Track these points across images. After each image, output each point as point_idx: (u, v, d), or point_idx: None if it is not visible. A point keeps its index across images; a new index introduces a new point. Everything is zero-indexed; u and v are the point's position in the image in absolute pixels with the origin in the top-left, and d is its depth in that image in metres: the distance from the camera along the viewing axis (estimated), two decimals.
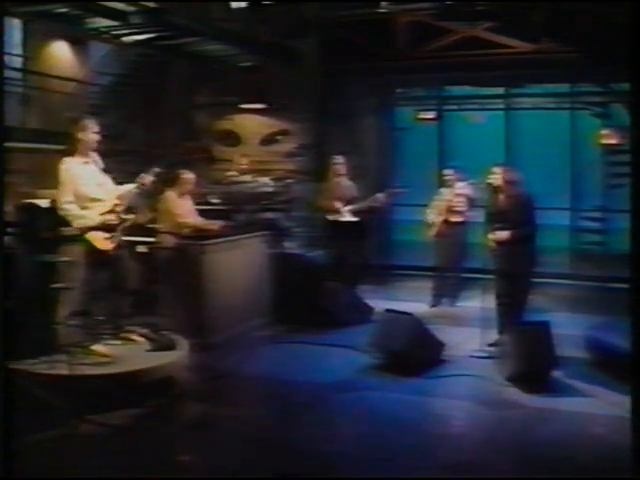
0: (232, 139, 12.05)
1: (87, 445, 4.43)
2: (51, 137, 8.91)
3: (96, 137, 5.48)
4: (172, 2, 9.27)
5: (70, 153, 5.43)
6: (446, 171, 8.49)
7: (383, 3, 10.32)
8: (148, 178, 5.62)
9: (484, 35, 10.05)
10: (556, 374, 5.67)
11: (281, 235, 9.38)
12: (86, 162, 5.46)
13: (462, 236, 8.23)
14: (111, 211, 5.44)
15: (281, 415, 5.06)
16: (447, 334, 6.58)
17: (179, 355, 5.60)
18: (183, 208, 7.02)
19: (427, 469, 4.14)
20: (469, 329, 6.77)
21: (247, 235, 7.38)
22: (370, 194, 8.53)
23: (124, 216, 5.55)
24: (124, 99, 11.05)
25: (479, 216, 7.11)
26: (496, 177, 6.35)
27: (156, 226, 7.03)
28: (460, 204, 8.15)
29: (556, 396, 5.34)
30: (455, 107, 11.82)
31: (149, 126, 11.29)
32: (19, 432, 3.85)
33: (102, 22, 9.40)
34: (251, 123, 12.00)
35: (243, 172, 10.89)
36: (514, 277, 6.23)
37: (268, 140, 11.93)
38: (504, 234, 6.19)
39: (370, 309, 7.84)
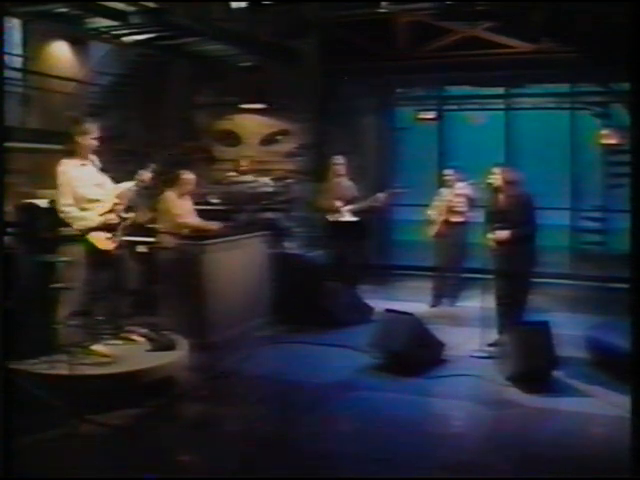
0: (232, 139, 12.05)
1: (87, 445, 4.43)
2: (51, 137, 8.91)
3: (95, 142, 5.48)
4: (172, 2, 9.27)
5: (68, 154, 5.43)
6: (446, 171, 8.49)
7: (383, 3, 10.32)
8: (147, 175, 5.62)
9: (484, 35, 10.05)
10: (556, 374, 5.66)
11: (281, 235, 9.38)
12: (83, 164, 5.46)
13: (462, 236, 8.23)
14: (111, 210, 5.45)
15: (281, 415, 5.06)
16: (447, 334, 6.58)
17: (179, 355, 5.60)
18: (183, 208, 7.02)
19: (427, 469, 4.14)
20: (469, 329, 6.77)
21: (247, 235, 7.38)
22: (370, 194, 8.53)
23: (124, 215, 5.55)
24: (124, 99, 11.05)
25: (479, 216, 7.12)
26: (496, 177, 6.35)
27: (156, 226, 7.03)
28: (460, 204, 8.15)
29: (556, 396, 5.34)
30: (455, 107, 11.83)
31: (149, 126, 11.28)
32: (19, 432, 3.86)
33: (102, 22, 9.41)
34: (251, 123, 12.00)
35: (243, 173, 10.90)
36: (514, 277, 6.23)
37: (268, 140, 11.93)
38: (504, 234, 6.19)
39: (370, 309, 7.84)
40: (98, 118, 5.90)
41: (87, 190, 5.38)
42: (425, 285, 8.75)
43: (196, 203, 7.44)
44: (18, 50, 10.50)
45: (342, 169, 8.57)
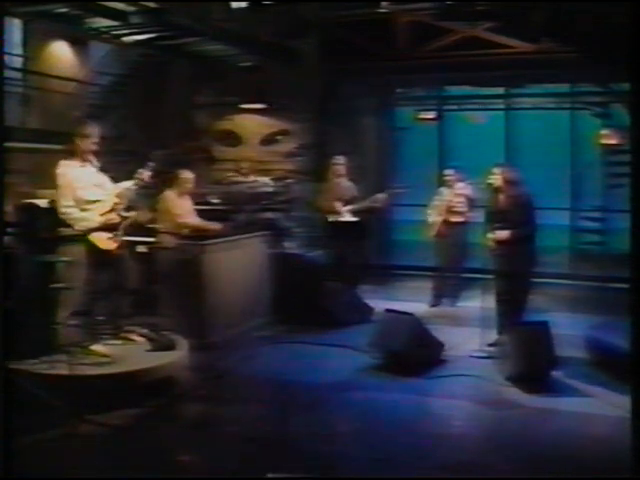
0: (232, 139, 12.04)
1: (87, 445, 4.43)
2: (51, 137, 8.91)
3: (95, 146, 5.49)
4: (172, 2, 9.26)
5: (68, 155, 5.43)
6: (446, 171, 8.50)
7: (383, 3, 10.31)
8: (146, 174, 5.63)
9: (484, 35, 10.05)
10: (556, 374, 5.67)
11: (281, 235, 9.38)
12: (83, 165, 5.47)
13: (462, 236, 8.24)
14: (111, 210, 5.45)
15: (281, 415, 5.06)
16: (447, 334, 6.58)
17: (179, 355, 5.60)
18: (183, 208, 7.02)
19: (427, 469, 4.14)
20: (469, 329, 6.77)
21: (247, 235, 7.38)
22: (370, 194, 8.53)
23: (125, 214, 5.55)
24: (124, 99, 11.04)
25: (479, 216, 7.12)
26: (496, 177, 6.36)
27: (156, 226, 7.04)
28: (460, 204, 8.16)
29: (556, 396, 5.34)
30: (455, 107, 11.82)
31: (149, 126, 11.28)
32: (19, 432, 3.86)
33: (102, 22, 9.39)
34: (251, 123, 11.99)
35: (244, 174, 10.91)
36: (514, 277, 6.23)
37: (268, 140, 11.92)
38: (504, 234, 6.19)
39: (370, 309, 7.84)
40: (98, 118, 5.88)
41: (87, 191, 5.39)
42: (425, 285, 8.75)
43: (196, 203, 7.44)
44: (18, 50, 10.49)
45: (342, 169, 8.57)
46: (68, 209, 5.31)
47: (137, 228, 6.60)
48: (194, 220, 7.08)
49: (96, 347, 5.36)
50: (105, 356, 5.29)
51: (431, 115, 11.26)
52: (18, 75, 10.36)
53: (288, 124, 11.67)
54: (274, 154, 11.76)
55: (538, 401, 5.24)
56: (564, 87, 11.09)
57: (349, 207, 8.36)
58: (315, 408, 5.17)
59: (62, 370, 4.91)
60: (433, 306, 8.34)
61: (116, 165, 6.15)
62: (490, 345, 6.22)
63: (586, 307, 8.10)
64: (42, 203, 5.66)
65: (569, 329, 6.64)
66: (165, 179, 6.92)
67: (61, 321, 5.28)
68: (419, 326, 6.20)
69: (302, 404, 5.20)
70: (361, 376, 5.90)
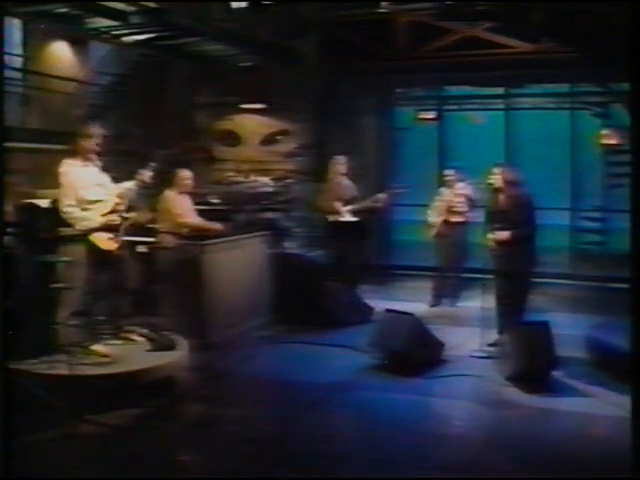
0: (232, 139, 12.04)
1: (87, 445, 4.43)
2: (51, 137, 8.91)
3: (98, 146, 5.50)
4: (172, 2, 9.26)
5: (70, 155, 5.43)
6: (446, 171, 8.49)
7: (383, 3, 10.32)
8: (147, 174, 5.63)
9: (484, 35, 10.05)
10: (556, 374, 5.66)
11: (281, 235, 9.38)
12: (85, 164, 5.47)
13: (462, 236, 8.23)
14: (113, 211, 5.45)
15: (281, 415, 5.06)
16: (447, 334, 6.58)
17: (179, 355, 5.60)
18: (182, 207, 7.02)
19: (427, 469, 4.14)
20: (469, 329, 6.77)
21: (247, 235, 7.38)
22: (370, 194, 8.53)
23: (125, 215, 5.55)
24: (124, 99, 11.04)
25: (479, 216, 7.12)
26: (496, 177, 6.35)
27: (156, 226, 7.04)
28: (460, 204, 8.16)
29: (556, 396, 5.34)
30: (455, 107, 11.82)
31: (149, 126, 11.28)
32: (19, 432, 3.86)
33: (102, 22, 9.40)
34: (251, 123, 11.99)
35: (244, 174, 10.91)
36: (514, 277, 6.23)
37: (268, 140, 11.92)
38: (504, 234, 6.19)
39: (370, 309, 7.83)
40: (98, 118, 5.88)
41: (89, 191, 5.39)
42: (425, 285, 8.75)
43: (196, 203, 7.44)
44: (18, 50, 10.49)
45: (342, 169, 8.56)
46: (70, 208, 5.31)
47: (137, 228, 6.60)
48: (194, 219, 7.08)
49: (96, 347, 5.36)
50: (105, 356, 5.28)
51: (431, 115, 11.26)
52: (18, 75, 10.36)
53: (288, 124, 11.67)
54: (274, 154, 11.76)
55: (538, 401, 5.24)
56: (564, 87, 11.08)
57: (349, 207, 8.36)
58: (315, 408, 5.17)
59: (62, 370, 4.91)
60: (433, 306, 8.34)
61: (116, 165, 6.14)
62: (490, 345, 6.22)
63: (586, 307, 8.10)
64: (42, 203, 5.67)
65: (569, 329, 6.63)
66: (165, 179, 6.92)
67: (61, 321, 5.28)
68: (419, 326, 6.20)
69: (302, 404, 5.20)
70: (361, 376, 5.90)
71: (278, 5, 10.51)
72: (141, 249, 6.92)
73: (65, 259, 5.32)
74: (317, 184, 9.25)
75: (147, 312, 6.31)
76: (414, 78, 11.28)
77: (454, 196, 8.20)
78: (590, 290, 9.08)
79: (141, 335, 5.69)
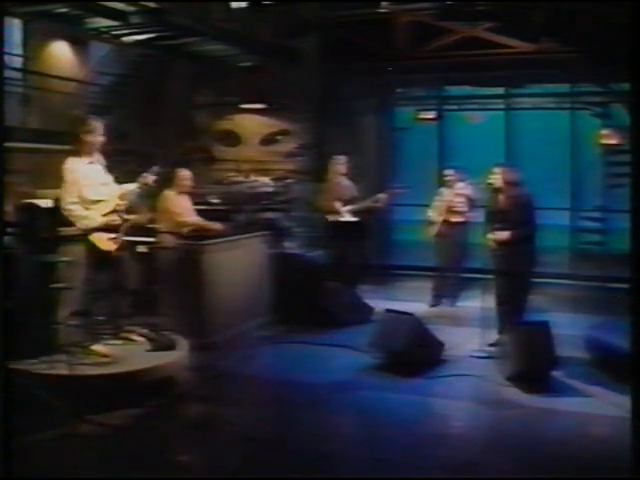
0: (232, 139, 12.05)
1: (87, 445, 4.43)
2: (51, 137, 8.92)
3: (102, 139, 5.49)
4: (172, 2, 9.26)
5: (75, 153, 5.42)
6: (446, 171, 8.49)
7: (383, 3, 10.32)
8: (150, 178, 5.63)
9: (484, 35, 10.06)
10: (556, 374, 5.66)
11: (281, 235, 9.38)
12: (91, 162, 5.47)
13: (462, 236, 8.23)
14: (114, 211, 5.45)
15: (281, 415, 5.06)
16: (447, 334, 6.58)
17: (179, 355, 5.60)
18: (182, 207, 7.03)
19: (427, 469, 4.14)
20: (469, 329, 6.77)
21: (247, 235, 7.38)
22: (370, 194, 8.53)
23: (126, 216, 5.55)
24: (124, 99, 11.05)
25: (479, 216, 7.12)
26: (496, 177, 6.35)
27: (156, 226, 7.03)
28: (460, 204, 8.16)
29: (556, 396, 5.34)
30: (455, 107, 11.82)
31: (149, 126, 11.28)
32: (19, 432, 3.86)
33: (102, 22, 9.40)
34: (251, 123, 12.00)
35: (245, 175, 10.91)
36: (514, 277, 6.23)
37: (268, 140, 11.93)
38: (504, 234, 6.19)
39: (370, 309, 7.83)
40: (98, 118, 5.86)
41: (93, 189, 5.38)
42: (425, 285, 8.75)
43: (196, 203, 7.44)
44: (18, 50, 10.50)
45: (342, 169, 8.56)
46: (72, 206, 5.30)
47: (137, 228, 6.60)
48: (194, 218, 7.08)
49: (96, 347, 5.35)
50: (105, 356, 5.28)
51: (431, 115, 11.26)
52: (18, 75, 10.36)
53: (288, 124, 11.68)
54: (274, 154, 11.77)
55: (538, 401, 5.23)
56: (564, 87, 11.09)
57: (349, 207, 8.36)
58: (315, 408, 5.17)
59: (62, 370, 4.90)
60: (433, 306, 8.34)
61: (116, 165, 6.14)
62: (490, 345, 6.22)
63: (586, 307, 8.10)
64: (42, 203, 5.66)
65: (569, 329, 6.63)
66: (165, 179, 6.92)
67: (61, 321, 5.28)
68: (419, 326, 6.20)
69: (302, 404, 5.20)
70: (361, 376, 5.89)
71: (278, 5, 10.51)
72: (141, 249, 6.91)
73: (65, 259, 5.31)
74: (317, 184, 9.25)
75: (147, 312, 6.30)
76: (414, 78, 11.28)
77: (454, 196, 8.20)
78: (590, 290, 9.08)
79: (141, 335, 5.69)
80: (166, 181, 6.98)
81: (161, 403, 5.08)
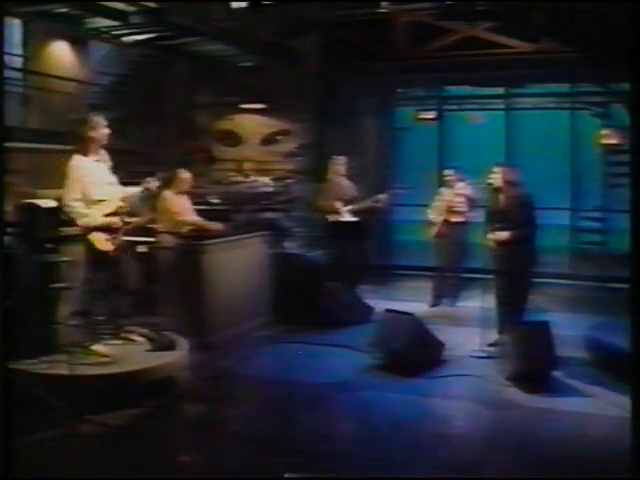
0: (232, 139, 12.05)
1: (87, 445, 4.43)
2: (51, 137, 8.92)
3: (106, 132, 5.48)
4: (172, 2, 9.27)
5: (81, 151, 5.41)
6: (446, 171, 8.49)
7: (383, 3, 10.32)
8: (154, 183, 5.63)
9: (484, 35, 10.06)
10: (556, 374, 5.67)
11: (281, 235, 9.38)
12: (97, 160, 5.46)
13: (462, 236, 8.23)
14: (115, 213, 5.44)
15: (281, 415, 5.06)
16: (447, 334, 6.58)
17: (179, 355, 5.60)
18: (181, 207, 7.03)
19: (427, 469, 4.14)
20: (469, 329, 6.77)
21: (247, 235, 7.38)
22: (370, 194, 8.53)
23: (127, 219, 5.55)
24: (124, 99, 11.05)
25: (479, 216, 7.12)
26: (496, 177, 6.35)
27: (156, 226, 7.03)
28: (460, 204, 8.16)
29: (556, 396, 5.34)
30: (455, 107, 11.81)
31: (149, 126, 11.28)
32: (19, 432, 3.86)
33: (102, 22, 9.41)
34: (251, 123, 12.00)
35: (245, 175, 10.92)
36: (514, 277, 6.23)
37: (268, 140, 11.94)
38: (504, 234, 6.19)
39: (370, 309, 7.84)
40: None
41: (97, 188, 5.36)
42: (425, 285, 8.74)
43: (196, 203, 7.44)
44: (18, 50, 10.50)
45: (342, 169, 8.57)
46: (74, 202, 5.28)
47: (137, 228, 6.60)
48: (194, 218, 7.08)
49: (96, 347, 5.35)
50: (105, 356, 5.28)
51: (431, 115, 11.26)
52: (18, 75, 10.36)
53: (288, 124, 11.69)
54: (274, 154, 11.78)
55: (538, 401, 5.24)
56: (564, 87, 11.07)
57: (349, 207, 8.36)
58: (315, 408, 5.17)
59: (62, 370, 4.90)
60: (433, 306, 8.34)
61: (116, 165, 6.14)
62: (490, 345, 6.22)
63: (586, 307, 8.10)
64: (42, 203, 5.66)
65: (569, 329, 6.63)
66: (165, 179, 6.92)
67: (61, 321, 5.28)
68: (419, 326, 6.20)
69: (302, 404, 5.20)
70: (361, 376, 5.89)
71: (278, 5, 10.51)
72: (141, 249, 6.92)
73: (65, 259, 5.31)
74: (317, 184, 9.25)
75: (147, 312, 6.31)
76: (414, 78, 11.28)
77: (454, 196, 8.20)
78: (590, 290, 9.08)
79: (141, 335, 5.69)
80: (165, 181, 6.97)
81: (161, 403, 5.08)
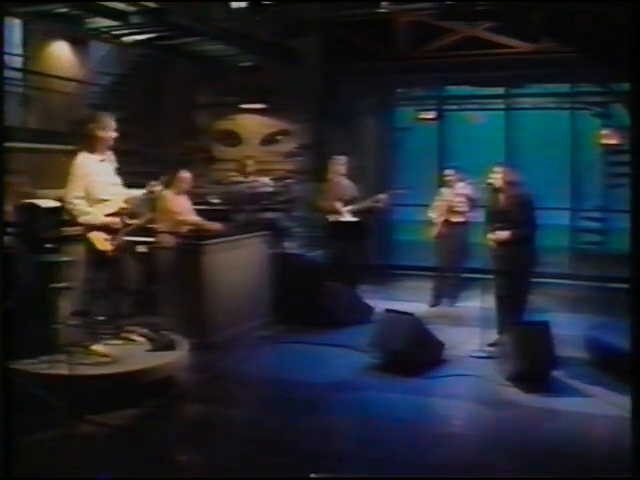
0: (232, 139, 12.05)
1: (87, 445, 4.43)
2: (51, 137, 8.92)
3: (114, 134, 5.48)
4: (172, 2, 9.27)
5: (87, 149, 5.40)
6: (447, 171, 8.50)
7: (383, 3, 10.33)
8: (158, 187, 5.62)
9: (484, 35, 10.05)
10: (556, 374, 5.67)
11: (281, 235, 9.38)
12: (102, 159, 5.45)
13: (463, 236, 8.23)
14: (117, 214, 5.43)
15: (281, 415, 5.06)
16: (447, 334, 6.58)
17: (179, 355, 5.60)
18: (181, 206, 7.03)
19: (427, 469, 4.14)
20: (469, 329, 6.77)
21: (247, 235, 7.38)
22: (370, 194, 8.53)
23: (128, 221, 5.54)
24: (124, 99, 11.05)
25: (479, 216, 7.12)
26: (496, 177, 6.36)
27: (156, 226, 7.03)
28: (460, 204, 8.16)
29: (556, 396, 5.34)
30: (455, 107, 11.81)
31: (149, 126, 11.28)
32: (19, 432, 3.86)
33: (102, 22, 9.41)
34: (251, 123, 12.00)
35: (245, 174, 10.92)
36: (514, 277, 6.23)
37: (268, 140, 11.93)
38: (504, 234, 6.20)
39: (370, 309, 7.84)
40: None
41: (101, 187, 5.36)
42: (425, 285, 8.75)
43: (196, 203, 7.44)
44: (18, 50, 10.50)
45: (342, 169, 8.57)
46: (76, 200, 5.27)
47: (137, 229, 6.59)
48: (194, 218, 7.08)
49: (96, 347, 5.35)
50: (105, 356, 5.28)
51: (431, 115, 11.25)
52: (18, 75, 10.36)
53: (288, 124, 11.68)
54: (274, 154, 11.77)
55: (538, 401, 5.24)
56: (564, 87, 11.07)
57: (349, 207, 8.36)
58: (315, 408, 5.17)
59: (62, 370, 4.90)
60: (433, 306, 8.34)
61: (117, 165, 6.14)
62: (490, 345, 6.22)
63: (586, 307, 8.10)
64: (42, 203, 5.66)
65: (569, 329, 6.63)
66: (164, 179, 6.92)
67: (61, 321, 5.28)
68: (419, 326, 6.20)
69: (302, 404, 5.20)
70: (361, 376, 5.89)
71: (278, 5, 10.51)
72: (141, 249, 6.92)
73: (65, 259, 5.31)
74: (317, 184, 9.25)
75: (147, 312, 6.30)
76: (414, 78, 11.28)
77: (454, 196, 8.21)
78: (590, 290, 9.08)
79: (141, 335, 5.69)
80: (165, 181, 6.97)
81: (161, 403, 5.08)
